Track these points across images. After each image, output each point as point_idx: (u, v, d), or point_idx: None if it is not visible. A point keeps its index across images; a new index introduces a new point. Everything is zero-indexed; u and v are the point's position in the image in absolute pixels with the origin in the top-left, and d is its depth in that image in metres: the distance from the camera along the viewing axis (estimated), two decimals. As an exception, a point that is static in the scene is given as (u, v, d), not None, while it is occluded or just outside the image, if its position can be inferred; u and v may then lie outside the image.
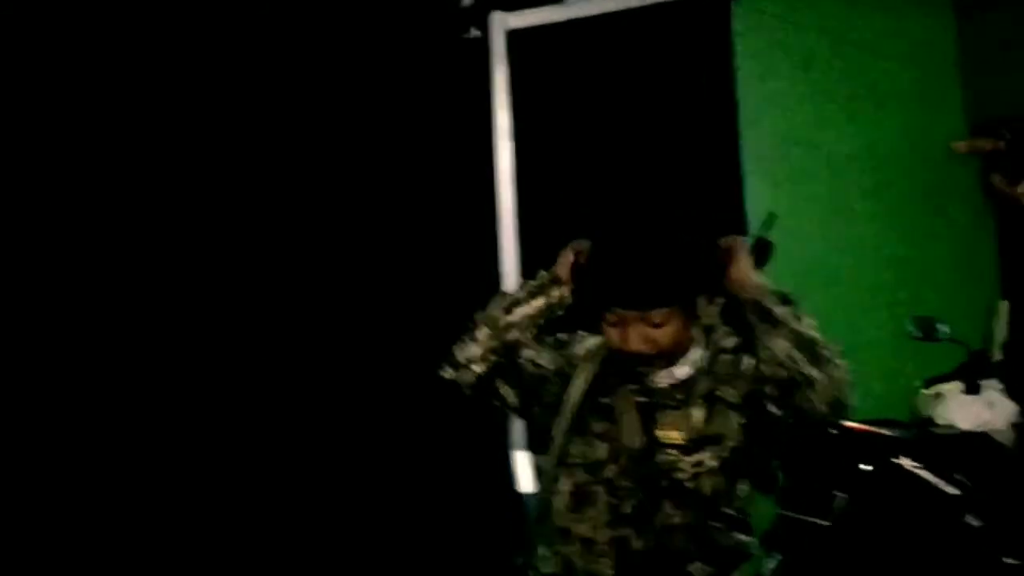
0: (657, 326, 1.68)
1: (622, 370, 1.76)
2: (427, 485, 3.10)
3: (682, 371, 1.75)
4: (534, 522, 1.83)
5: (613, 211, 2.57)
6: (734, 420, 1.72)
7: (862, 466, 2.94)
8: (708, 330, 1.80)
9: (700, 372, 1.75)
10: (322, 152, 3.17)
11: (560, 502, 1.77)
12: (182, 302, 2.93)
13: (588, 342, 1.87)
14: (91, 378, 2.80)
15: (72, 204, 2.84)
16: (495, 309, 1.87)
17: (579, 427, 1.77)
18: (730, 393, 1.72)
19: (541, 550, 1.79)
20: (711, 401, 1.73)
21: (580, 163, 3.47)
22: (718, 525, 1.71)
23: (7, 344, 2.74)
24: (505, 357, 1.84)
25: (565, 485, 1.77)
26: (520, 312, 1.85)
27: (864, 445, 2.98)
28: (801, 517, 2.94)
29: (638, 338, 1.69)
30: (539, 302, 1.84)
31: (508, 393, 1.86)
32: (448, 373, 1.89)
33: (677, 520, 1.68)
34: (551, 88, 3.48)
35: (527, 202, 3.37)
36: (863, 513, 2.91)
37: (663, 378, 1.74)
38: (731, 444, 1.71)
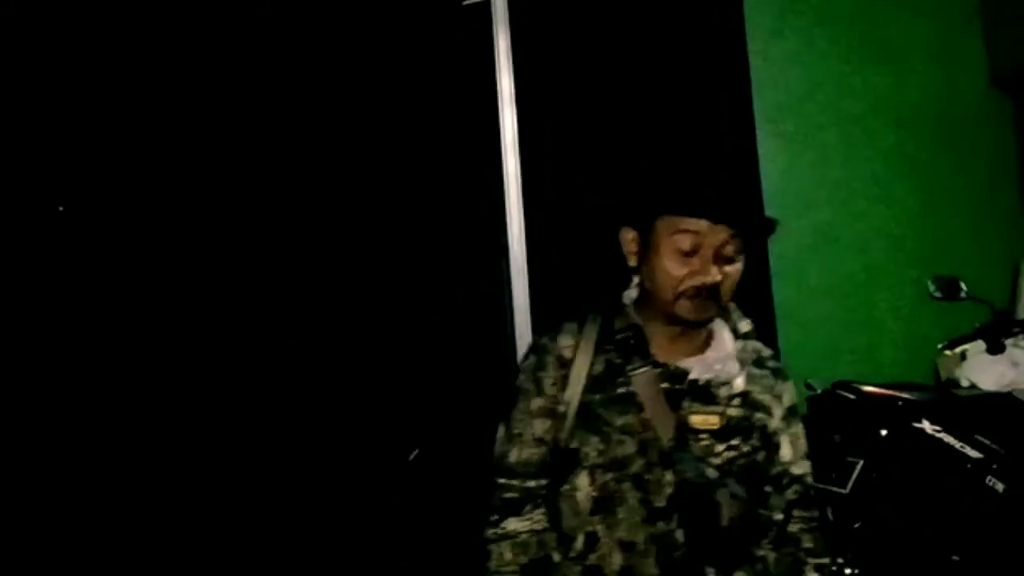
0: (731, 259, 1.57)
1: (633, 351, 1.64)
2: (436, 459, 3.06)
3: (721, 367, 1.64)
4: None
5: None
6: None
7: (881, 431, 2.87)
8: (726, 313, 1.71)
9: (739, 366, 1.65)
10: (326, 121, 3.12)
11: (578, 506, 1.62)
12: (173, 293, 2.89)
13: (567, 329, 1.71)
14: (91, 377, 2.78)
15: (74, 204, 2.82)
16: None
17: (590, 424, 1.63)
18: (767, 398, 1.66)
19: (556, 557, 1.64)
20: (745, 396, 1.65)
21: (586, 127, 3.39)
22: (755, 504, 1.64)
23: (7, 344, 2.71)
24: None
25: (585, 488, 1.62)
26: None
27: (882, 410, 2.90)
28: (818, 486, 2.86)
29: (712, 268, 1.55)
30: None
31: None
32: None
33: (737, 509, 1.59)
34: (555, 51, 3.40)
35: (532, 167, 3.30)
36: (882, 480, 2.84)
37: (700, 371, 1.63)
38: (768, 431, 1.65)
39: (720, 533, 1.58)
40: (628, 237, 1.66)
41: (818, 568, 1.66)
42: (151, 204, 2.87)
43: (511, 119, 3.33)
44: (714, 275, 1.55)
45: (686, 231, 1.56)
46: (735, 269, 1.58)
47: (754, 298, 3.76)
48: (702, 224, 1.56)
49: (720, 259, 1.56)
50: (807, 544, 1.67)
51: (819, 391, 3.14)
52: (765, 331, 3.59)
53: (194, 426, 2.82)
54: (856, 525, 2.84)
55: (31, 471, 2.67)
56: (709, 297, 1.57)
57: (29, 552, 2.64)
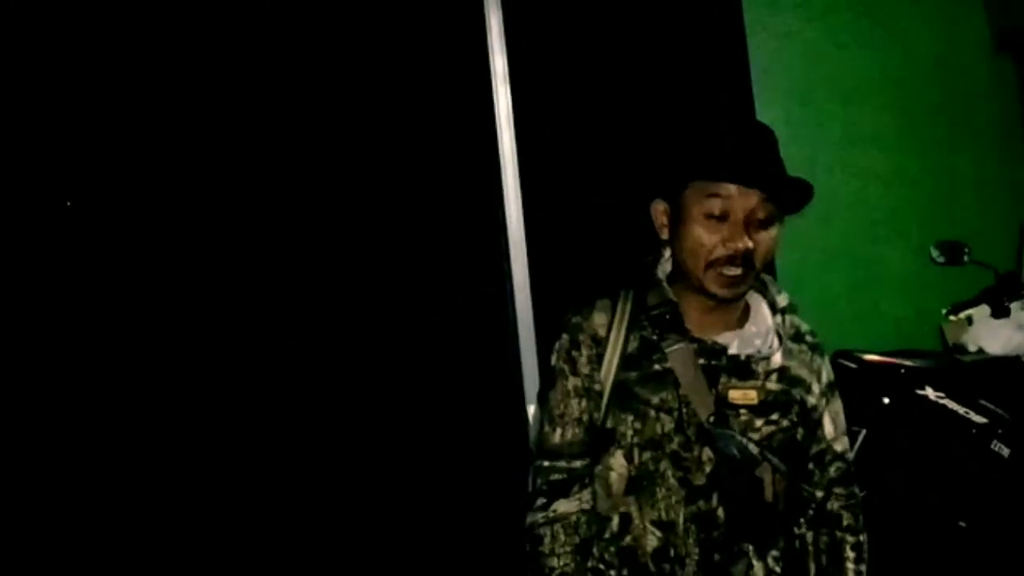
0: (763, 225, 1.53)
1: (669, 326, 1.60)
2: (442, 445, 3.06)
3: (761, 342, 1.62)
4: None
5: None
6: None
7: (884, 399, 2.85)
8: (763, 287, 1.69)
9: (779, 340, 1.63)
10: (317, 106, 3.10)
11: (612, 487, 1.60)
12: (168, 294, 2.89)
13: (600, 306, 1.67)
14: (85, 374, 2.77)
15: (74, 204, 2.81)
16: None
17: (626, 403, 1.60)
18: (804, 373, 1.64)
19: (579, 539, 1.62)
20: (782, 372, 1.62)
21: (581, 106, 3.36)
22: (797, 479, 1.63)
23: (7, 344, 2.71)
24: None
25: (619, 468, 1.59)
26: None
27: (884, 378, 2.89)
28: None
29: (743, 234, 1.51)
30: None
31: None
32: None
33: (780, 484, 1.58)
34: (549, 30, 3.37)
35: (528, 148, 3.27)
36: (887, 448, 2.83)
37: (739, 346, 1.60)
38: (807, 407, 1.64)
39: (764, 509, 1.57)
40: (659, 209, 1.63)
41: (855, 547, 1.66)
42: (129, 201, 2.86)
43: (506, 99, 3.30)
44: (745, 242, 1.51)
45: (716, 195, 1.52)
46: (768, 236, 1.53)
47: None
48: (731, 188, 1.51)
49: (751, 225, 1.52)
50: (847, 521, 1.67)
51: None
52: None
53: (185, 422, 2.82)
54: (861, 494, 2.82)
55: (29, 470, 2.67)
56: (742, 265, 1.53)
57: (28, 552, 2.63)
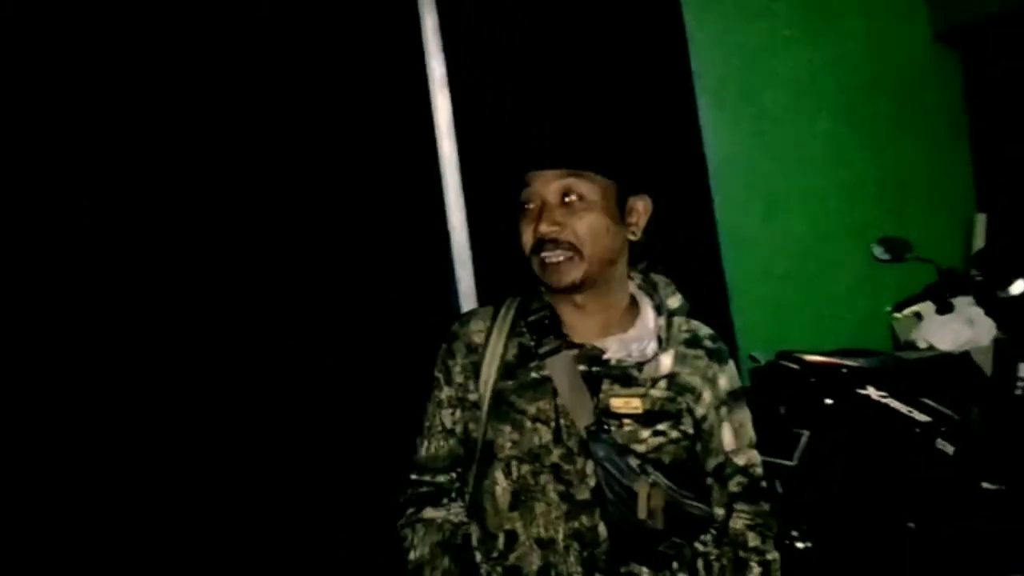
0: (577, 204, 1.48)
1: (546, 332, 1.53)
2: (385, 450, 3.00)
3: (641, 345, 1.53)
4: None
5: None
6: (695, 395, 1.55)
7: (826, 400, 2.82)
8: (652, 288, 1.61)
9: (663, 345, 1.54)
10: (252, 114, 3.03)
11: (498, 502, 1.51)
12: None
13: (479, 314, 1.62)
14: (75, 374, 2.74)
15: (53, 207, 2.76)
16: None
17: (503, 413, 1.52)
18: (696, 380, 1.54)
19: (478, 558, 1.53)
20: (671, 379, 1.53)
21: (523, 107, 3.31)
22: (688, 496, 1.51)
23: (6, 344, 2.67)
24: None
25: (500, 482, 1.51)
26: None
27: (826, 378, 2.86)
28: (766, 459, 2.82)
29: (544, 218, 1.47)
30: None
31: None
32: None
33: (658, 500, 1.46)
34: (486, 31, 3.32)
35: (470, 154, 3.22)
36: (830, 450, 2.80)
37: (616, 351, 1.52)
38: (696, 418, 1.54)
39: (638, 527, 1.46)
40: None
41: (763, 564, 1.54)
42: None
43: (445, 104, 3.24)
44: (544, 226, 1.47)
45: (523, 187, 1.51)
46: (584, 213, 1.48)
47: (705, 270, 3.74)
48: (532, 176, 1.50)
49: (561, 208, 1.48)
50: (752, 542, 1.55)
51: (762, 363, 3.09)
52: (717, 303, 3.60)
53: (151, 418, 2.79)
54: (807, 497, 2.79)
55: (27, 469, 2.63)
56: (558, 248, 1.48)
57: (27, 552, 2.60)
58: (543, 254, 1.49)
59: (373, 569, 2.79)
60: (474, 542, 1.55)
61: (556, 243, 1.48)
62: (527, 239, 1.51)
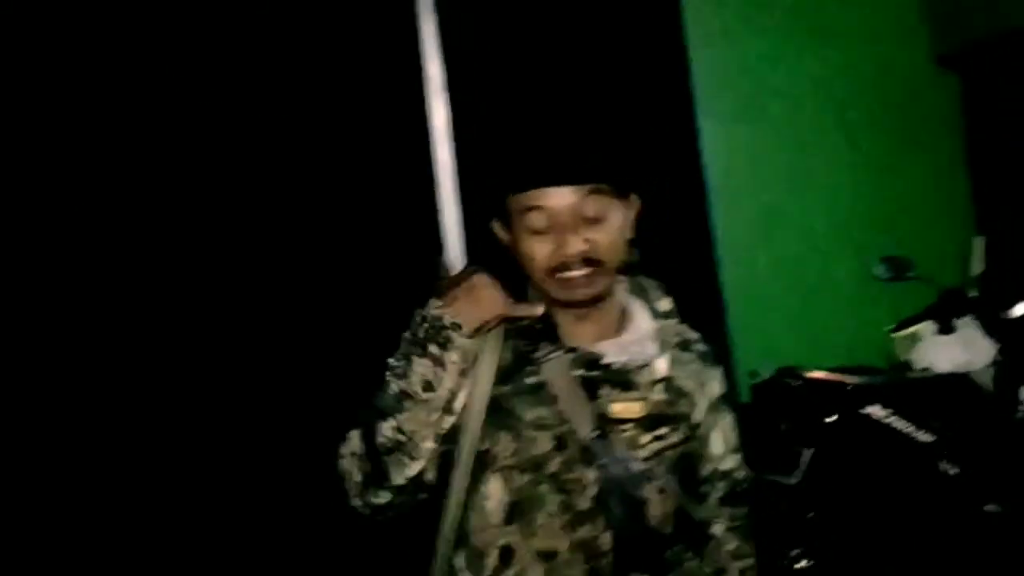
0: (596, 218, 1.41)
1: (541, 336, 1.46)
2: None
3: (640, 348, 1.49)
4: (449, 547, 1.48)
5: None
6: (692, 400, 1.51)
7: (828, 418, 2.76)
8: (641, 291, 1.57)
9: (658, 348, 1.50)
10: (248, 116, 2.99)
11: (489, 517, 1.44)
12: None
13: None
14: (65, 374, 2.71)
15: (51, 207, 2.74)
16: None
17: (501, 421, 1.44)
18: (691, 385, 1.50)
19: None
20: (668, 383, 1.49)
21: (520, 113, 3.26)
22: (693, 500, 1.47)
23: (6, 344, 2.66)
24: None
25: (496, 493, 1.44)
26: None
27: (829, 396, 2.80)
28: (765, 476, 2.76)
29: (574, 236, 1.39)
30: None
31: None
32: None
33: (668, 505, 1.42)
34: (484, 35, 3.28)
35: (466, 159, 3.18)
36: (831, 468, 2.74)
37: (614, 354, 1.47)
38: (692, 423, 1.49)
39: (650, 533, 1.41)
40: (497, 228, 1.51)
41: (743, 571, 1.51)
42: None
43: (442, 109, 3.20)
44: (577, 244, 1.40)
45: (532, 208, 1.41)
46: (607, 227, 1.42)
47: (701, 282, 3.70)
48: (543, 193, 1.41)
49: (580, 223, 1.41)
50: (730, 546, 1.52)
51: (764, 378, 3.04)
52: (713, 316, 3.56)
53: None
54: (808, 516, 2.73)
55: (27, 471, 2.63)
56: (585, 265, 1.41)
57: (27, 552, 2.58)
58: (568, 271, 1.42)
59: (373, 569, 2.76)
60: (459, 565, 1.46)
61: (586, 260, 1.42)
62: (543, 259, 1.43)
